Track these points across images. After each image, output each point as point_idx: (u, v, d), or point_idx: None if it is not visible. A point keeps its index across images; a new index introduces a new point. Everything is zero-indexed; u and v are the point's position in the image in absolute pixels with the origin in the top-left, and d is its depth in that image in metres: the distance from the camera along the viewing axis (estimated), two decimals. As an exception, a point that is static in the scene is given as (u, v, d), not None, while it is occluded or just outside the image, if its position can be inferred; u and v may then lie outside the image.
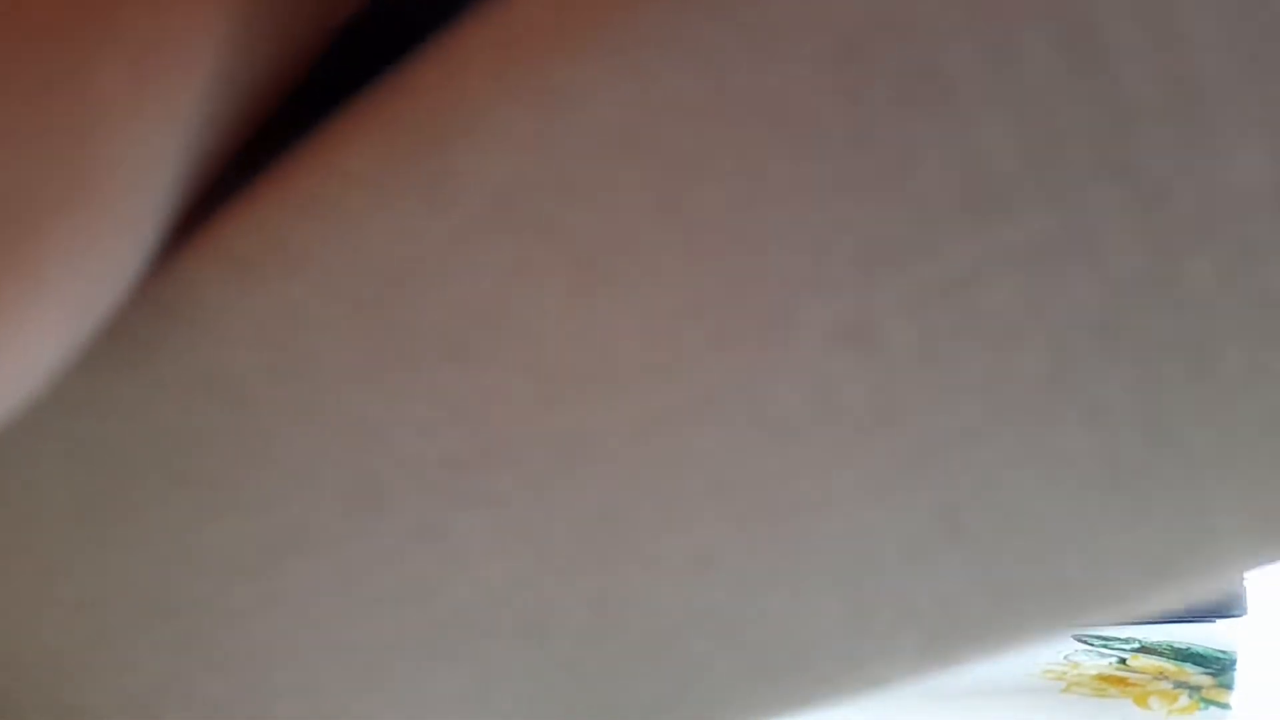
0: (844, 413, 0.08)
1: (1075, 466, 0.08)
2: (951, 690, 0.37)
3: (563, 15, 0.07)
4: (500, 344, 0.08)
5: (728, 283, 0.08)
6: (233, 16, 0.07)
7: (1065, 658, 0.40)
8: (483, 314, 0.08)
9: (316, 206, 0.08)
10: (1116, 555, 0.09)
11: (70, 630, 0.10)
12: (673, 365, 0.08)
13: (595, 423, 0.09)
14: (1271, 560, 0.09)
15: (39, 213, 0.07)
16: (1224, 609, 0.43)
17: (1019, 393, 0.08)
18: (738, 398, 0.08)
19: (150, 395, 0.09)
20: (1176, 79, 0.07)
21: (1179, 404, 0.08)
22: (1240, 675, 0.38)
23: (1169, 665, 0.39)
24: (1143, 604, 0.09)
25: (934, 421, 0.08)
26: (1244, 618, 0.43)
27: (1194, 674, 0.38)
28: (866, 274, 0.08)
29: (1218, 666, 0.39)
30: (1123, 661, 0.39)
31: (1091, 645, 0.41)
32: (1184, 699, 0.36)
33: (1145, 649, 0.40)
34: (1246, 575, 0.43)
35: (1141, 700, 0.35)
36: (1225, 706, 0.35)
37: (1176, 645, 0.41)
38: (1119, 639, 0.42)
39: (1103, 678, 0.38)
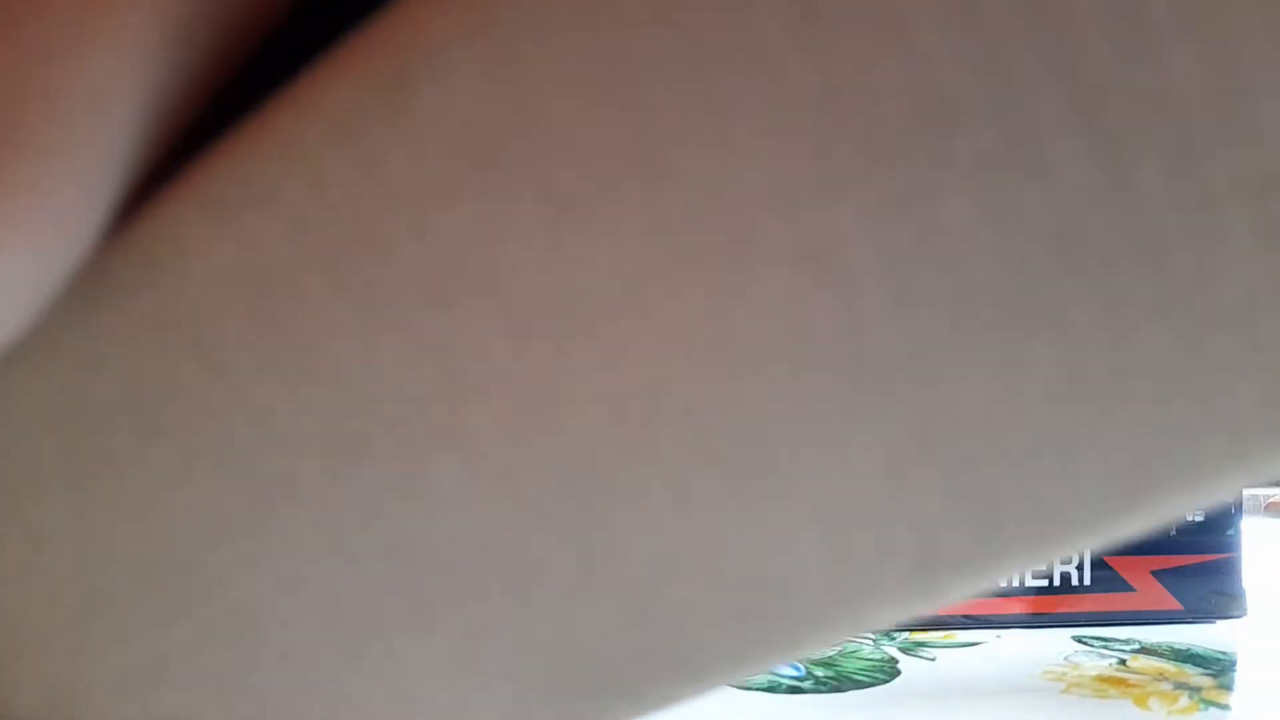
0: (811, 336, 0.08)
1: (1039, 377, 0.08)
2: (952, 690, 0.37)
3: None
4: (469, 281, 0.08)
5: (690, 206, 0.08)
6: None
7: (1065, 659, 0.40)
8: (451, 252, 0.08)
9: (286, 147, 0.08)
10: (1089, 470, 0.09)
11: (59, 603, 0.10)
12: (638, 296, 0.08)
13: (566, 359, 0.09)
14: (1249, 477, 0.09)
15: None
16: (1224, 610, 0.43)
17: (980, 306, 0.08)
18: (706, 327, 0.08)
19: (127, 347, 0.09)
20: None
21: (1135, 308, 0.08)
22: (1240, 676, 0.38)
23: (1169, 666, 0.39)
24: (1122, 524, 0.09)
25: (899, 340, 0.08)
26: (1244, 619, 0.43)
27: (1194, 675, 0.38)
28: (824, 193, 0.08)
29: (1218, 667, 0.39)
30: (1123, 662, 0.39)
31: (1091, 646, 0.41)
32: (1184, 700, 0.35)
33: (1145, 650, 0.40)
34: (1247, 574, 0.43)
35: (1141, 701, 0.35)
36: (1225, 707, 0.35)
37: (1176, 646, 0.41)
38: (1119, 640, 0.42)
39: (1103, 679, 0.38)
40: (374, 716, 0.10)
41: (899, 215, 0.08)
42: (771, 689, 0.37)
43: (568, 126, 0.08)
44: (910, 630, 0.43)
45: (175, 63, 0.08)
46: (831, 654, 0.40)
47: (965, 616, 0.43)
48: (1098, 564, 0.43)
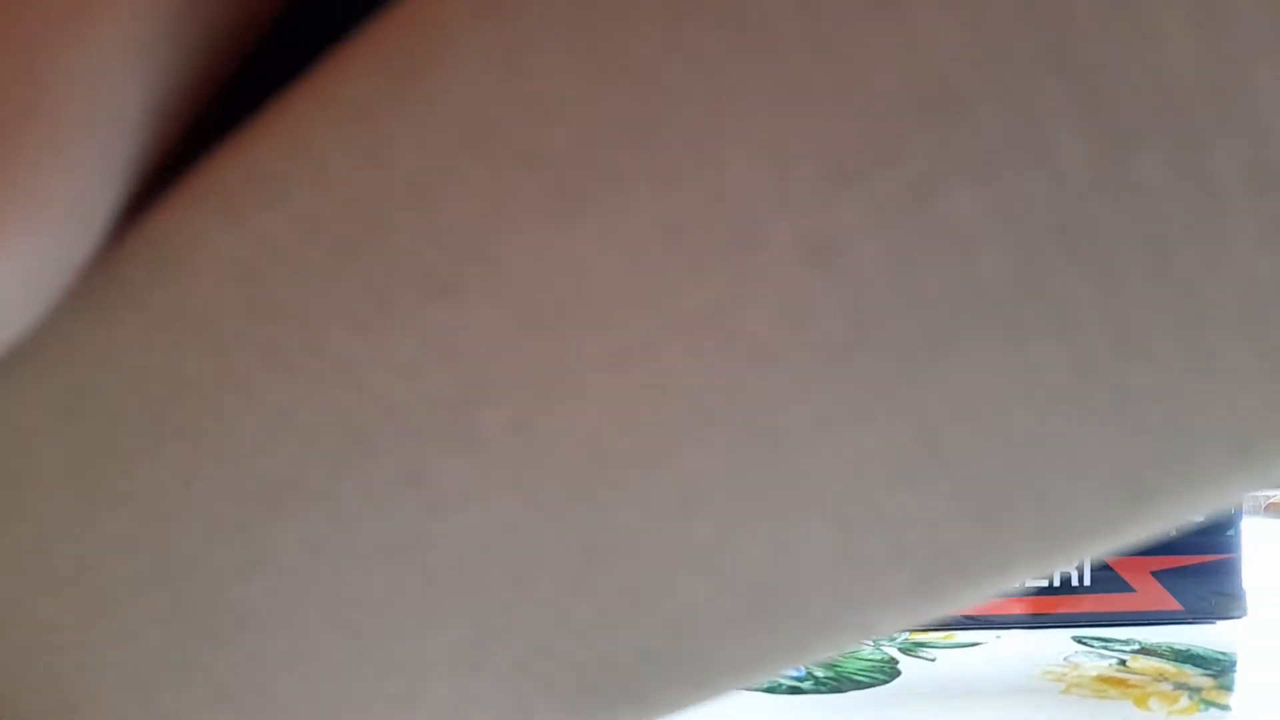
0: (818, 333, 0.08)
1: (1046, 376, 0.08)
2: (952, 690, 0.37)
3: None
4: (478, 276, 0.08)
5: (699, 203, 0.08)
6: None
7: (1065, 659, 0.40)
8: (462, 246, 0.08)
9: (294, 140, 0.08)
10: (1096, 473, 0.09)
11: (65, 602, 0.10)
12: (646, 292, 0.08)
13: (574, 356, 0.09)
14: (1255, 481, 0.09)
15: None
16: (1224, 611, 0.43)
17: (985, 302, 0.08)
18: (714, 322, 0.08)
19: (136, 343, 0.09)
20: None
21: (1141, 307, 0.08)
22: (1240, 677, 0.38)
23: (1169, 666, 0.39)
24: (1129, 529, 0.09)
25: (906, 336, 0.08)
26: (1244, 619, 0.43)
27: (1194, 675, 0.38)
28: (829, 188, 0.08)
29: (1218, 668, 0.39)
30: (1123, 663, 0.39)
31: (1091, 647, 0.41)
32: (1184, 700, 0.35)
33: (1145, 650, 0.40)
34: (1247, 574, 0.43)
35: (1141, 701, 0.35)
36: (1225, 708, 0.35)
37: (1177, 647, 0.41)
38: (1119, 640, 0.42)
39: (1103, 679, 0.38)
40: (378, 715, 0.10)
41: (905, 211, 0.08)
42: (771, 689, 0.37)
43: (577, 120, 0.08)
44: (910, 630, 0.43)
45: (176, 56, 0.08)
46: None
47: (965, 617, 0.43)
48: (1098, 564, 0.43)
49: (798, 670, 0.39)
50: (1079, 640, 0.42)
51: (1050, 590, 0.43)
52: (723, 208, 0.08)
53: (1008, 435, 0.09)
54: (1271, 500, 0.60)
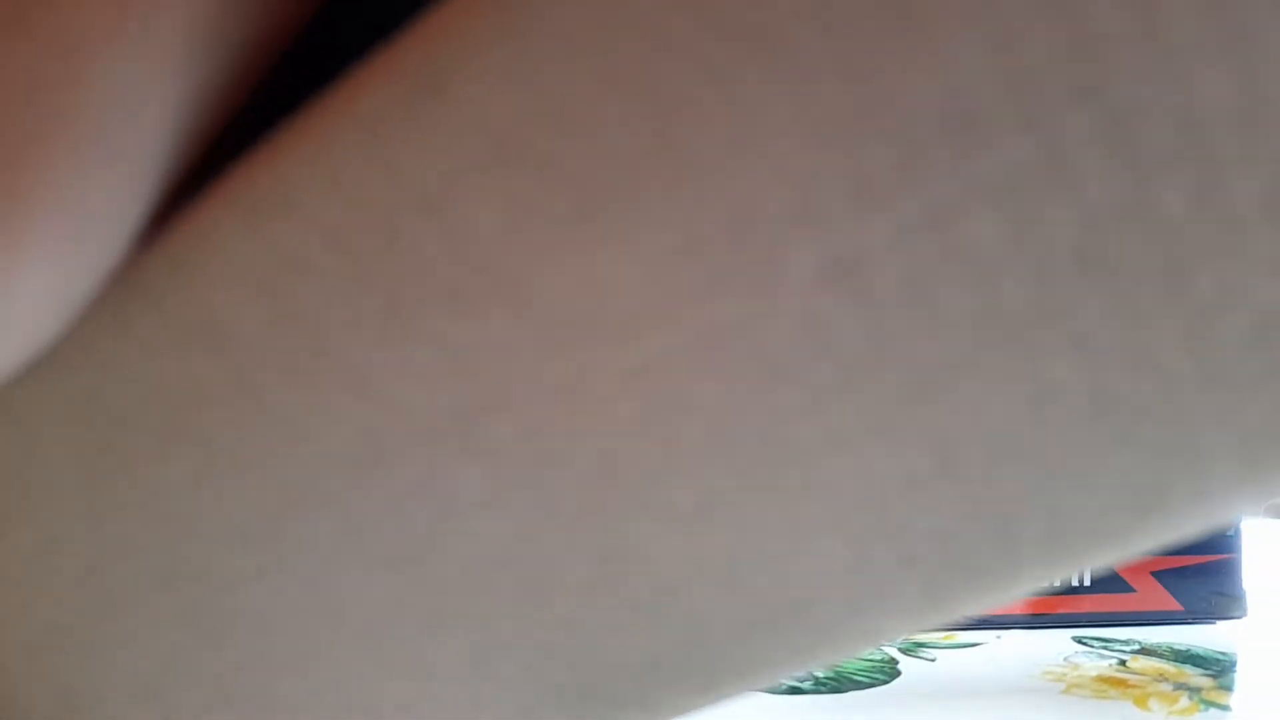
0: (836, 351, 0.08)
1: (1060, 396, 0.09)
2: (952, 690, 0.37)
3: None
4: (498, 291, 0.08)
5: (721, 223, 0.08)
6: None
7: (1065, 659, 0.40)
8: (481, 260, 0.08)
9: (317, 154, 0.08)
10: (1107, 486, 0.09)
11: (71, 604, 0.10)
12: (667, 308, 0.08)
13: (591, 369, 0.09)
14: (1264, 495, 0.09)
15: (25, 141, 0.07)
16: (1224, 611, 0.43)
17: (1003, 324, 0.08)
18: (732, 339, 0.08)
19: (150, 351, 0.09)
20: (1142, 4, 0.07)
21: (1156, 329, 0.08)
22: (1240, 677, 0.38)
23: (1169, 667, 0.39)
24: (1136, 540, 0.09)
25: (923, 356, 0.08)
26: (1244, 619, 0.43)
27: (1194, 675, 0.38)
28: (853, 211, 0.08)
29: (1218, 668, 0.38)
30: (1123, 663, 0.39)
31: (1091, 647, 0.41)
32: (1184, 700, 0.35)
33: (1145, 650, 0.40)
34: (1247, 574, 0.43)
35: (1141, 702, 0.35)
36: (1225, 708, 0.35)
37: (1176, 647, 0.41)
38: (1119, 640, 0.42)
39: (1103, 679, 0.38)
40: (385, 719, 0.10)
41: (927, 232, 0.08)
42: (771, 689, 0.37)
43: (599, 136, 0.08)
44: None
45: (204, 65, 0.07)
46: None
47: (965, 617, 0.43)
48: (1098, 564, 0.43)
49: (798, 670, 0.38)
50: (1079, 640, 0.42)
51: (1050, 590, 0.43)
52: (745, 227, 0.08)
53: (1020, 450, 0.09)
54: (1271, 500, 0.60)
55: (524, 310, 0.08)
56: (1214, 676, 0.38)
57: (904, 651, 0.41)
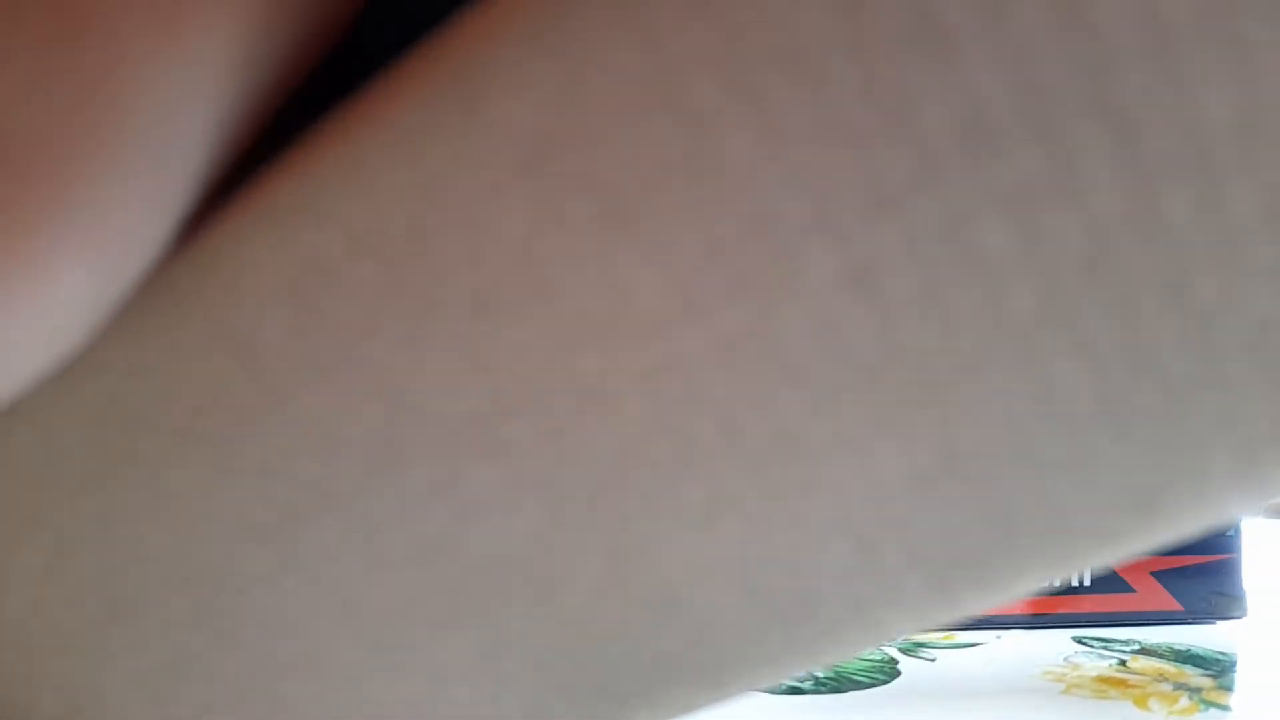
0: (850, 353, 0.09)
1: (1064, 397, 0.09)
2: (952, 690, 0.37)
3: None
4: (522, 296, 0.09)
5: (741, 229, 0.08)
6: None
7: (1065, 659, 0.40)
8: (508, 267, 0.08)
9: (348, 164, 0.08)
10: (1108, 485, 0.09)
11: (82, 605, 0.10)
12: (687, 311, 0.09)
13: (611, 372, 0.09)
14: (1261, 495, 0.09)
15: (63, 155, 0.07)
16: (1224, 611, 0.43)
17: (1011, 327, 0.09)
18: (749, 342, 0.09)
19: (172, 355, 0.09)
20: (1150, 19, 0.07)
21: (1158, 334, 0.08)
22: (1240, 677, 0.38)
23: (1169, 667, 0.39)
24: (1137, 539, 0.09)
25: (933, 358, 0.09)
26: (1244, 619, 0.43)
27: (1194, 676, 0.38)
28: (871, 219, 0.08)
29: (1218, 668, 0.38)
30: (1123, 663, 0.39)
31: (1091, 647, 0.41)
32: (1184, 700, 0.35)
33: (1145, 650, 0.40)
34: (1247, 574, 0.43)
35: (1141, 702, 0.35)
36: (1225, 708, 0.35)
37: (1177, 647, 0.41)
38: (1119, 640, 0.42)
39: (1103, 679, 0.38)
40: (392, 717, 0.10)
41: (940, 240, 0.08)
42: (771, 689, 0.37)
43: (625, 147, 0.08)
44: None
45: (245, 76, 0.08)
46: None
47: (967, 615, 0.43)
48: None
49: (798, 670, 0.38)
50: (1079, 640, 0.42)
51: (1050, 590, 0.44)
52: (764, 233, 0.08)
53: (1025, 451, 0.09)
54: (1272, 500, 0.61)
55: (544, 314, 0.09)
56: (1214, 676, 0.38)
57: (904, 651, 0.41)
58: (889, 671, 0.39)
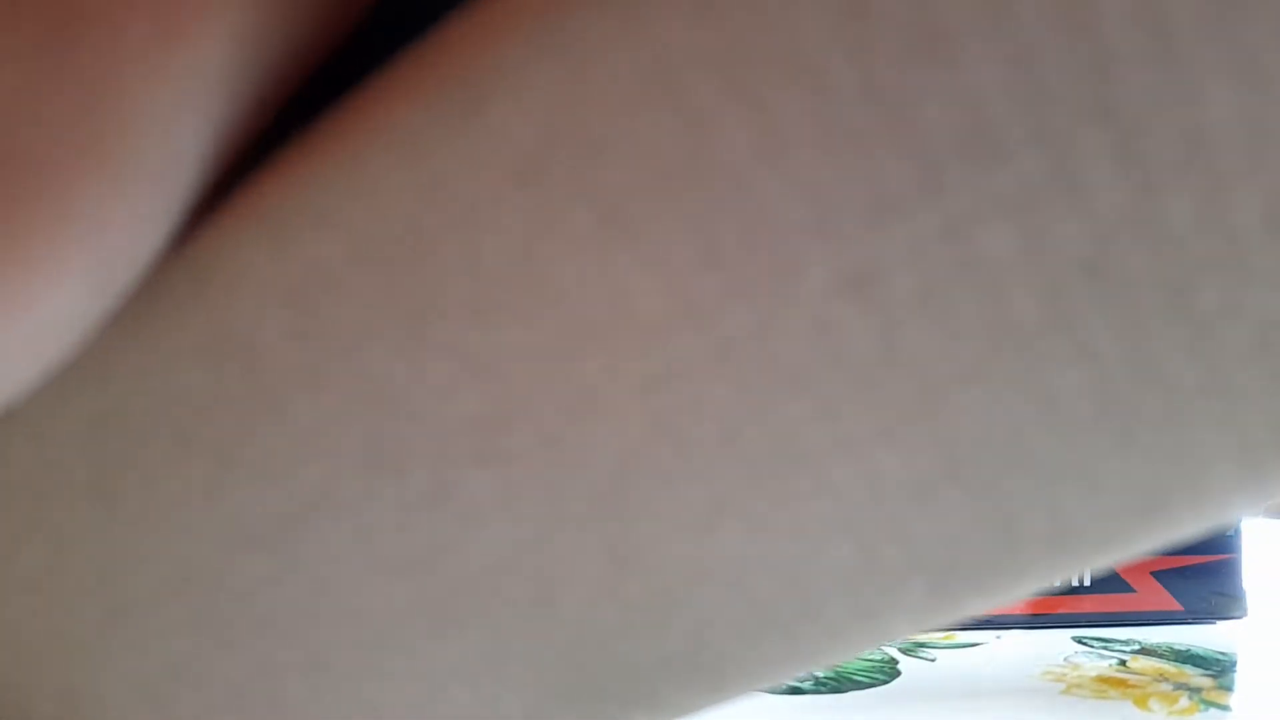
0: (850, 359, 0.09)
1: (1066, 403, 0.09)
2: (952, 690, 0.37)
3: None
4: (522, 301, 0.09)
5: (741, 235, 0.08)
6: None
7: (1065, 659, 0.40)
8: (506, 272, 0.08)
9: (348, 166, 0.08)
10: (1110, 489, 0.09)
11: (80, 610, 0.10)
12: (687, 316, 0.09)
13: (609, 377, 0.09)
14: (1262, 498, 0.09)
15: (63, 165, 0.07)
16: (1224, 611, 0.43)
17: (1012, 334, 0.09)
18: (748, 348, 0.09)
19: (169, 362, 0.09)
20: (1153, 23, 0.07)
21: (1161, 339, 0.08)
22: (1240, 677, 0.38)
23: (1169, 667, 0.39)
24: (1137, 542, 0.09)
25: (934, 364, 0.09)
26: (1244, 619, 0.43)
27: (1194, 676, 0.38)
28: (870, 224, 0.08)
29: (1218, 668, 0.38)
30: (1123, 663, 0.39)
31: (1091, 647, 0.41)
32: (1184, 701, 0.35)
33: (1145, 650, 0.40)
34: (1247, 574, 0.43)
35: (1141, 702, 0.35)
36: (1225, 708, 0.35)
37: (1177, 647, 0.41)
38: (1119, 640, 0.42)
39: (1103, 679, 0.38)
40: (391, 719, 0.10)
41: (942, 245, 0.08)
42: (771, 689, 0.37)
43: (629, 156, 0.08)
44: (910, 630, 0.43)
45: (243, 84, 0.08)
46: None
47: (968, 616, 0.43)
48: (1098, 564, 0.43)
49: (798, 670, 0.38)
50: (1079, 640, 0.42)
51: (1050, 590, 0.43)
52: (764, 237, 0.08)
53: (1027, 457, 0.09)
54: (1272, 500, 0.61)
55: (543, 320, 0.09)
56: (1214, 676, 0.38)
57: (904, 651, 0.41)
58: (889, 671, 0.39)
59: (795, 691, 0.37)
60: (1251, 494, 0.09)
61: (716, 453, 0.09)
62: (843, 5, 0.07)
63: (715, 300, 0.08)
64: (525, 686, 0.10)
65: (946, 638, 0.42)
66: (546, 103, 0.08)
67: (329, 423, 0.09)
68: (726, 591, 0.09)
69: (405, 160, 0.08)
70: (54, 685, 0.10)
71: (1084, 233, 0.08)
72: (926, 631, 0.10)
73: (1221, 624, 0.43)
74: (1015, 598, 0.10)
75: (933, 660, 0.40)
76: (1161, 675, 0.38)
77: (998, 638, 0.42)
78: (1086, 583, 0.44)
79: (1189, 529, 0.09)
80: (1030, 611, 0.44)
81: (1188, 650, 0.40)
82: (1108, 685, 0.37)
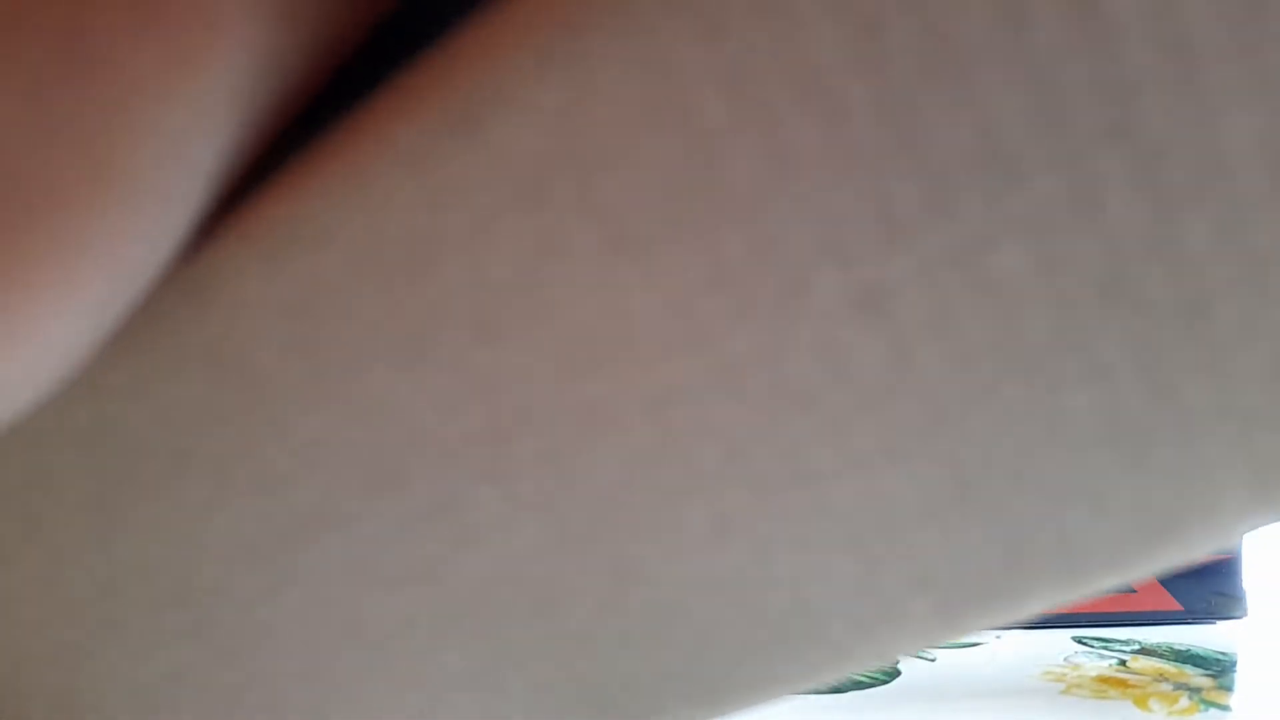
0: (858, 380, 0.09)
1: (1077, 423, 0.09)
2: (951, 691, 0.37)
3: None
4: (525, 319, 0.08)
5: (747, 254, 0.08)
6: (269, 2, 0.07)
7: (1065, 659, 0.40)
8: (509, 290, 0.08)
9: (349, 184, 0.08)
10: (1120, 511, 0.09)
11: (80, 620, 0.10)
12: (693, 336, 0.08)
13: (614, 396, 0.09)
14: (1272, 520, 0.09)
15: (66, 190, 0.07)
16: (1224, 611, 0.43)
17: (1024, 355, 0.08)
18: (755, 367, 0.09)
19: (169, 377, 0.09)
20: (1174, 45, 0.07)
21: (1176, 361, 0.08)
22: (1240, 677, 0.38)
23: (1169, 667, 0.39)
24: (1149, 563, 0.09)
25: (944, 385, 0.09)
26: (1244, 619, 0.43)
27: (1194, 676, 0.38)
28: (882, 243, 0.08)
29: (1218, 668, 0.38)
30: (1123, 663, 0.39)
31: (1091, 647, 0.41)
32: (1184, 701, 0.35)
33: (1145, 650, 0.40)
34: (1248, 574, 0.43)
35: (1141, 702, 0.35)
36: (1225, 708, 0.35)
37: (1177, 647, 0.41)
38: (1119, 640, 0.42)
39: (1103, 679, 0.38)
40: None
41: (953, 266, 0.08)
42: (772, 689, 0.37)
43: (633, 172, 0.08)
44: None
45: (253, 103, 0.07)
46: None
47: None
48: (1098, 564, 0.43)
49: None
50: (1079, 640, 0.42)
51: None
52: (771, 257, 0.08)
53: (1036, 477, 0.09)
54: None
55: (547, 338, 0.09)
56: (1214, 676, 0.38)
57: (904, 651, 0.41)
58: (889, 671, 0.39)
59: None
60: (1262, 515, 0.09)
61: (721, 471, 0.09)
62: (855, 24, 0.07)
63: (721, 320, 0.08)
64: (528, 699, 0.10)
65: (946, 638, 0.42)
66: (551, 120, 0.08)
67: (329, 437, 0.09)
68: (729, 608, 0.09)
69: (407, 176, 0.08)
70: (53, 690, 0.10)
71: (1100, 254, 0.08)
72: (933, 647, 0.10)
73: (1221, 624, 0.43)
74: (1023, 617, 0.10)
75: (933, 660, 0.40)
76: (1161, 675, 0.38)
77: (998, 638, 0.42)
78: (1086, 583, 0.44)
79: (1200, 551, 0.09)
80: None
81: (1188, 650, 0.40)
82: (1108, 685, 0.37)
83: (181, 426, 0.09)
